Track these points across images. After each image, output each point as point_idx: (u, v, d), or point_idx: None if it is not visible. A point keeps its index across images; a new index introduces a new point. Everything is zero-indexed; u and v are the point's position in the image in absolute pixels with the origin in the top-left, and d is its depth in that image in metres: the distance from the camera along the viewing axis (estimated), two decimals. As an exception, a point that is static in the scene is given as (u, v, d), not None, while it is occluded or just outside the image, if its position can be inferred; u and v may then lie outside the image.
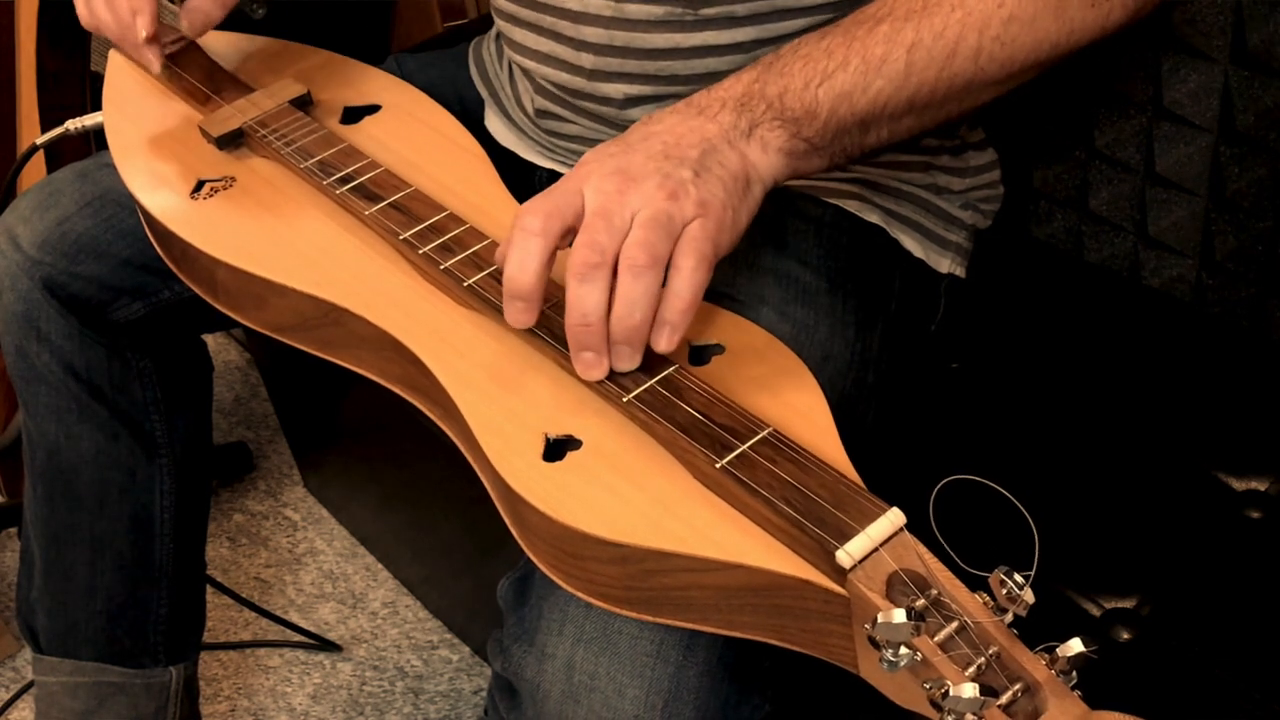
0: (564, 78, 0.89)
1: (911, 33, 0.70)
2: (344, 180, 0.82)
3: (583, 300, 0.64)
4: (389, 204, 0.79)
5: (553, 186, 0.68)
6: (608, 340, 0.65)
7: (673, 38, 0.84)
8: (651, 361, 0.66)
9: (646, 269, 0.63)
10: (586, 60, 0.87)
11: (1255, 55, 0.92)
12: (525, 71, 0.93)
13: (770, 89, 0.70)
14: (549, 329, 0.69)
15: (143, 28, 0.90)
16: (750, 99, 0.70)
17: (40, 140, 1.05)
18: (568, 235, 0.66)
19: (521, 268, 0.65)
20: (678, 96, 0.86)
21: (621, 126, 0.89)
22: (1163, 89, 0.98)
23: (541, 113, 0.93)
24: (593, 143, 0.91)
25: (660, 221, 0.64)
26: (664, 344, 0.65)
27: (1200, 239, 1.00)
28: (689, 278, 0.64)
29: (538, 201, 0.67)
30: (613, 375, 0.66)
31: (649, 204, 0.65)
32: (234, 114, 0.89)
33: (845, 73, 0.70)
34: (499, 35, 1.00)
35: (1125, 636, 0.82)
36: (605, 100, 0.88)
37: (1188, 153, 0.98)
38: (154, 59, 0.92)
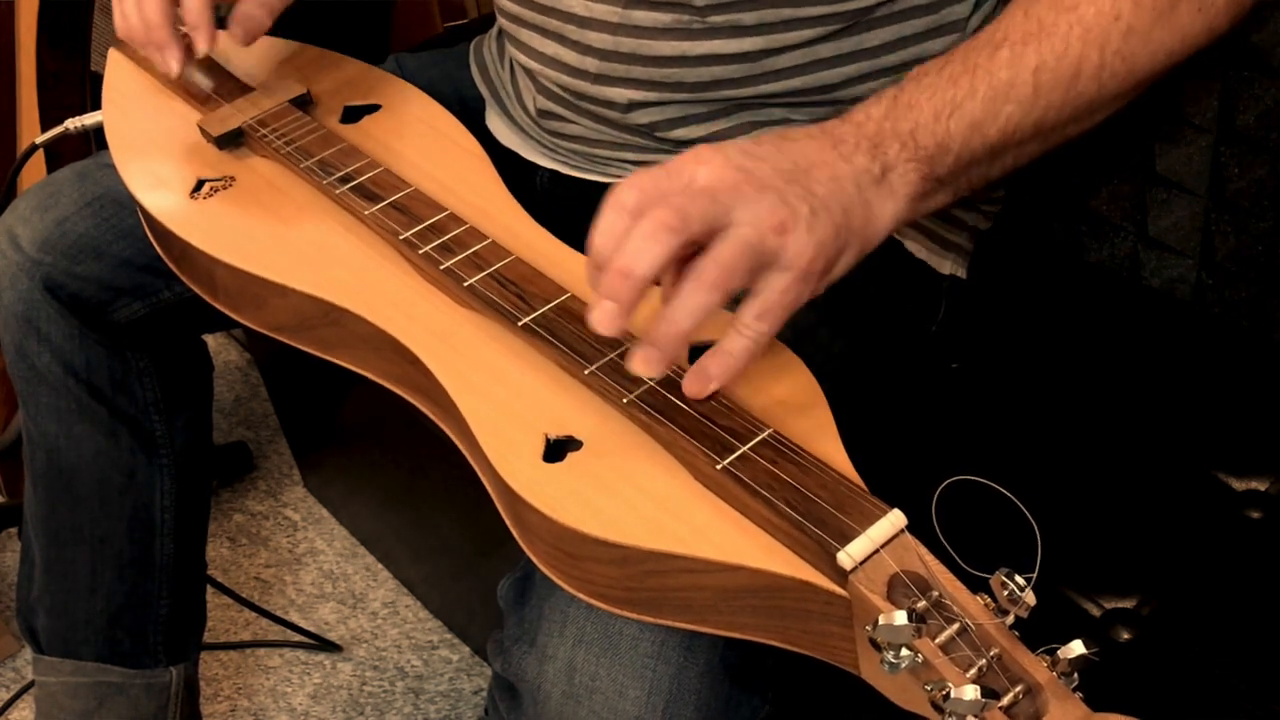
0: (568, 81, 0.89)
1: (1034, 55, 0.69)
2: (344, 180, 0.82)
3: (640, 252, 0.58)
4: (389, 204, 0.79)
5: (669, 163, 0.62)
6: (638, 299, 0.60)
7: (679, 45, 0.84)
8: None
9: (714, 289, 0.59)
10: (591, 65, 0.86)
11: (1255, 55, 0.92)
12: (528, 71, 0.93)
13: (902, 125, 0.67)
14: (550, 330, 0.69)
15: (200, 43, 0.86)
16: (882, 138, 0.67)
17: (40, 139, 1.06)
18: None
19: (605, 239, 0.60)
20: (682, 103, 0.87)
21: (625, 129, 0.89)
22: (1162, 89, 0.98)
23: (544, 113, 0.93)
24: (595, 143, 0.92)
25: (755, 251, 0.60)
26: (717, 369, 0.62)
27: (1200, 239, 1.00)
28: (771, 323, 0.61)
29: (643, 175, 0.61)
30: (613, 375, 0.66)
31: (754, 224, 0.60)
32: (234, 113, 0.89)
33: (974, 101, 0.68)
34: (500, 34, 1.00)
35: (1125, 636, 0.82)
36: (609, 104, 0.88)
37: (1188, 153, 0.98)
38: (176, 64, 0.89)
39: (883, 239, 0.67)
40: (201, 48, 0.86)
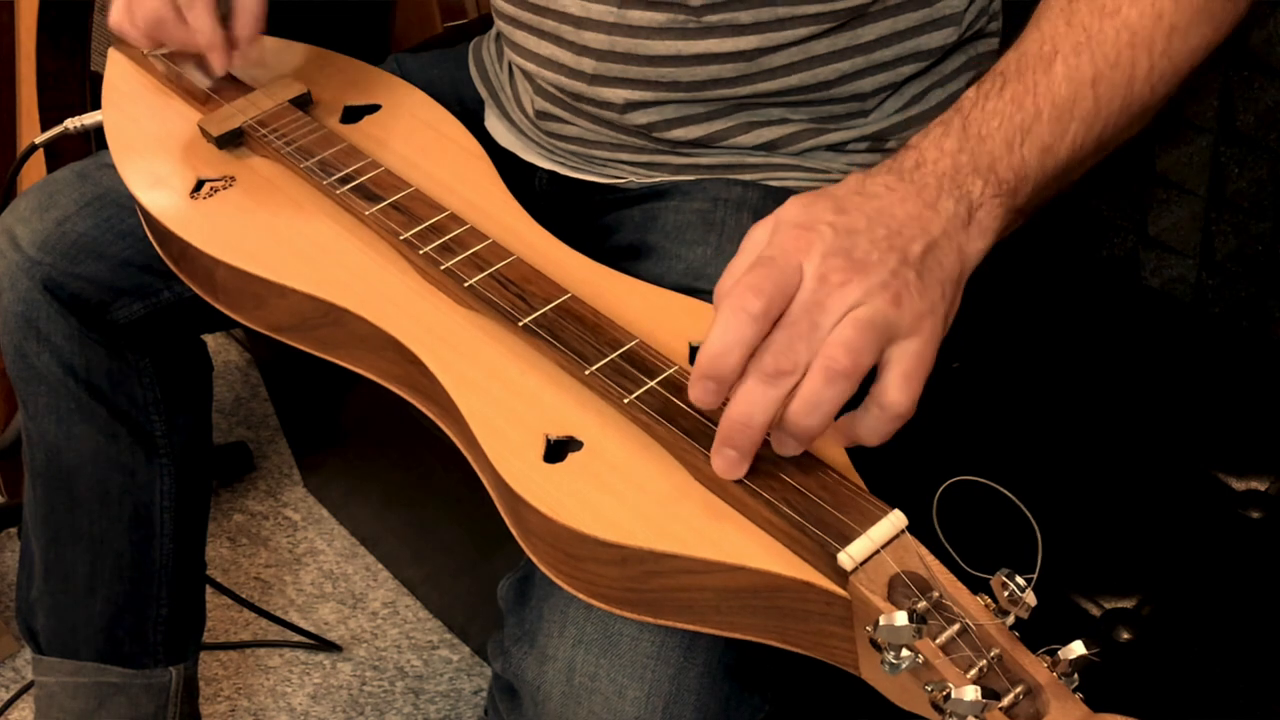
0: (565, 82, 0.89)
1: (1089, 66, 0.67)
2: (344, 180, 0.82)
3: (755, 402, 0.57)
4: (389, 204, 0.79)
5: (771, 252, 0.59)
6: (757, 447, 0.59)
7: (675, 45, 0.84)
8: (652, 362, 0.66)
9: (843, 377, 0.57)
10: (588, 65, 0.87)
11: (1255, 55, 0.92)
12: (525, 73, 0.93)
13: (980, 159, 0.64)
14: (551, 330, 0.69)
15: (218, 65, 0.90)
16: (961, 175, 0.64)
17: (39, 139, 1.05)
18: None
19: (727, 350, 0.57)
20: (679, 103, 0.87)
21: (623, 130, 0.89)
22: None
23: (542, 114, 0.93)
24: (594, 144, 0.92)
25: (877, 326, 0.58)
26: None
27: (1200, 239, 1.00)
28: (902, 415, 0.59)
29: (761, 276, 0.58)
30: (614, 376, 0.66)
31: (870, 301, 0.58)
32: (234, 113, 0.89)
33: (1041, 124, 0.66)
34: (499, 36, 1.00)
35: (1125, 637, 0.82)
36: (606, 105, 0.88)
37: (1188, 153, 0.99)
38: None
39: (968, 275, 0.65)
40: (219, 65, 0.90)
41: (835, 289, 0.58)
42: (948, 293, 0.62)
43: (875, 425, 0.59)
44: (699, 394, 0.59)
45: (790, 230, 0.60)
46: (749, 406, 0.57)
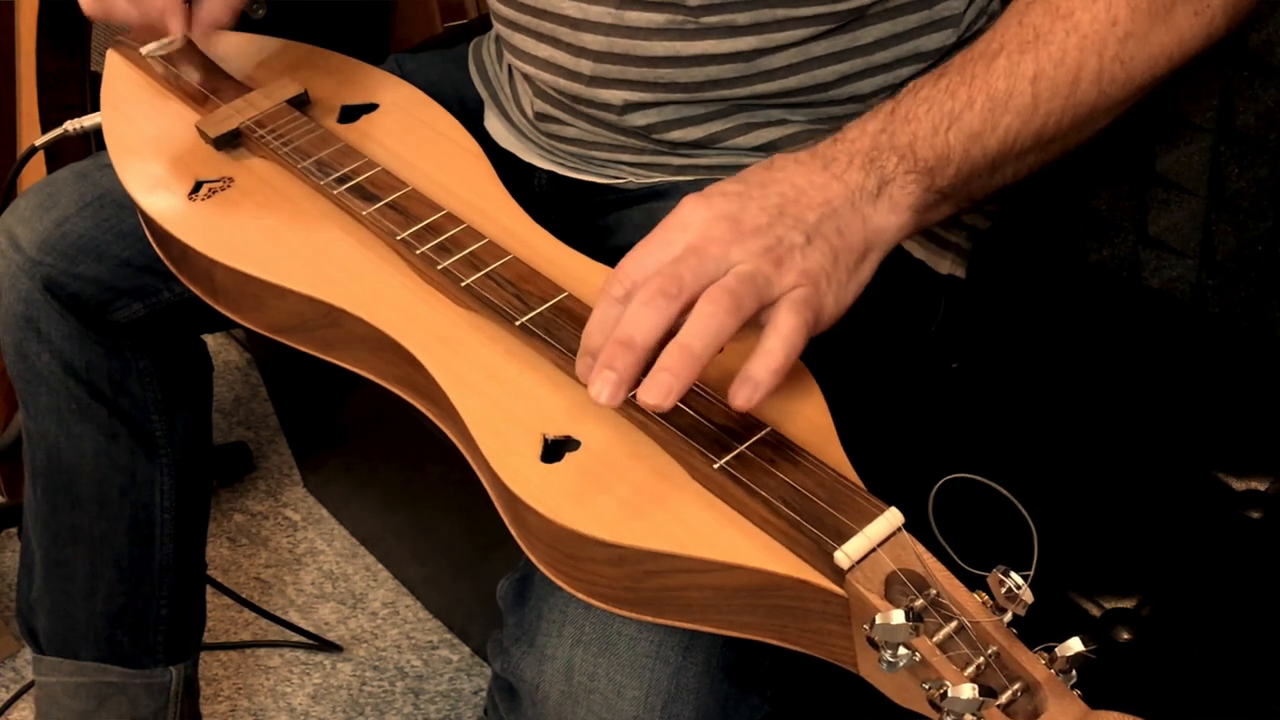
0: (563, 83, 0.89)
1: (1031, 64, 0.68)
2: (341, 180, 0.82)
3: (637, 321, 0.59)
4: (386, 204, 0.79)
5: (656, 231, 0.63)
6: (639, 371, 0.59)
7: (673, 46, 0.84)
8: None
9: (727, 313, 0.59)
10: (586, 67, 0.86)
11: (1255, 55, 0.92)
12: (524, 75, 0.93)
13: (899, 138, 0.66)
14: (547, 329, 0.69)
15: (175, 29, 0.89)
16: (879, 152, 0.66)
17: (39, 142, 1.05)
18: None
19: (595, 329, 0.62)
20: (678, 104, 0.87)
21: (622, 131, 0.89)
22: (1162, 89, 0.97)
23: (541, 115, 0.93)
24: (593, 145, 0.92)
25: (756, 280, 0.60)
26: (742, 401, 0.59)
27: (1200, 239, 1.00)
28: (787, 338, 0.60)
29: (640, 253, 0.62)
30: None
31: (750, 260, 0.61)
32: (231, 114, 0.89)
33: (972, 112, 0.67)
34: (498, 37, 1.00)
35: (1125, 636, 0.82)
36: (605, 106, 0.88)
37: (1188, 153, 0.98)
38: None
39: (891, 247, 0.67)
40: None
41: (716, 243, 0.61)
42: (841, 259, 0.64)
43: (762, 365, 0.60)
44: (579, 369, 0.63)
45: (685, 203, 0.63)
46: (630, 326, 0.59)
